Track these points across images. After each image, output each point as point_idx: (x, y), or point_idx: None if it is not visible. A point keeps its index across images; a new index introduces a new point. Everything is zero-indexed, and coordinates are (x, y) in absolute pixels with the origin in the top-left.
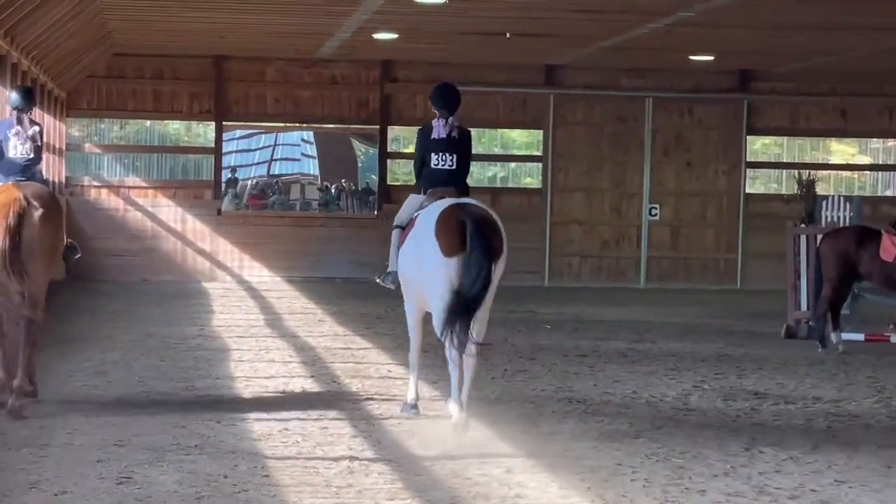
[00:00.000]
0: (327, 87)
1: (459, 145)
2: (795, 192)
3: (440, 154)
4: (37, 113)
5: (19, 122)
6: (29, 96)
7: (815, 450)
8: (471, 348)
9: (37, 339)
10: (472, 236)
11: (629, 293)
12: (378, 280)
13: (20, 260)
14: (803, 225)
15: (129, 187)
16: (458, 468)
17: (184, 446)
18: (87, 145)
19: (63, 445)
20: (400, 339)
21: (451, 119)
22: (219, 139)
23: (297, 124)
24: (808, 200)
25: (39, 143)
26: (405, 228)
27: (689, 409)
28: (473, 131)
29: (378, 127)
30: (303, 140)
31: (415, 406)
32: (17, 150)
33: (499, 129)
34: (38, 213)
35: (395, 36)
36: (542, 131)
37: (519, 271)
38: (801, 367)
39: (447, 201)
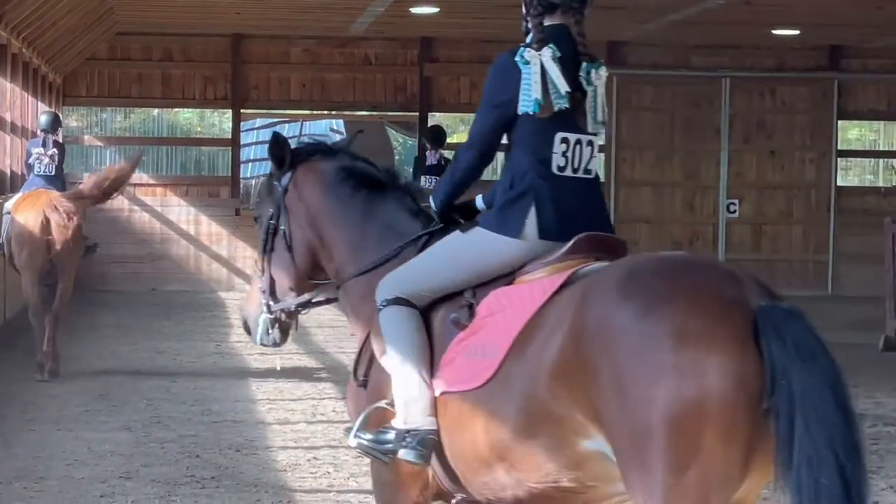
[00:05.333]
0: (359, 70)
1: (444, 169)
2: (893, 183)
3: (430, 177)
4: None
5: (44, 143)
6: (56, 121)
7: None
8: None
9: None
10: None
11: None
12: None
13: (53, 251)
14: None
15: (135, 185)
16: None
17: (199, 479)
18: (86, 137)
19: (62, 478)
20: None
21: (438, 151)
22: (236, 129)
23: (326, 112)
24: None
25: (58, 162)
26: None
27: None
28: None
29: (417, 114)
30: (332, 129)
31: None
32: (42, 167)
33: None
34: (63, 218)
35: (435, 10)
36: None
37: None
38: None
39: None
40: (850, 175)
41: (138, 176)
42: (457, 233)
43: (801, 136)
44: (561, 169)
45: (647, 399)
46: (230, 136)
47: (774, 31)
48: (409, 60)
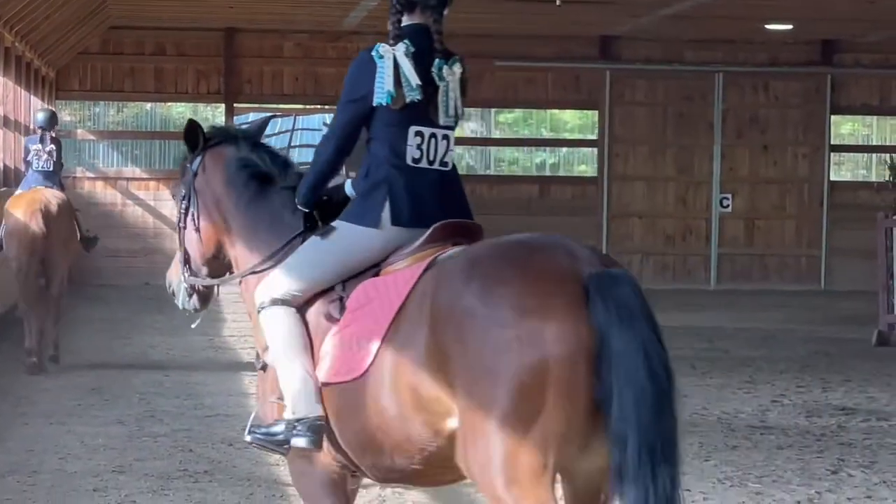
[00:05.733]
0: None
1: None
2: (886, 178)
3: None
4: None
5: (41, 139)
6: (53, 118)
7: None
8: None
9: (58, 312)
10: None
11: (698, 295)
12: None
13: (46, 247)
14: None
15: (128, 179)
16: None
17: (192, 472)
18: (79, 131)
19: (55, 472)
20: None
21: None
22: (229, 123)
23: (319, 106)
24: None
25: (55, 158)
26: None
27: (767, 427)
28: (519, 112)
29: None
30: (325, 124)
31: None
32: (40, 162)
33: (548, 110)
34: (55, 213)
35: None
36: (596, 112)
37: None
38: (895, 378)
39: None
40: (842, 170)
41: (132, 170)
42: (322, 231)
43: (794, 131)
44: (416, 161)
45: (493, 371)
46: None
47: (767, 26)
48: None
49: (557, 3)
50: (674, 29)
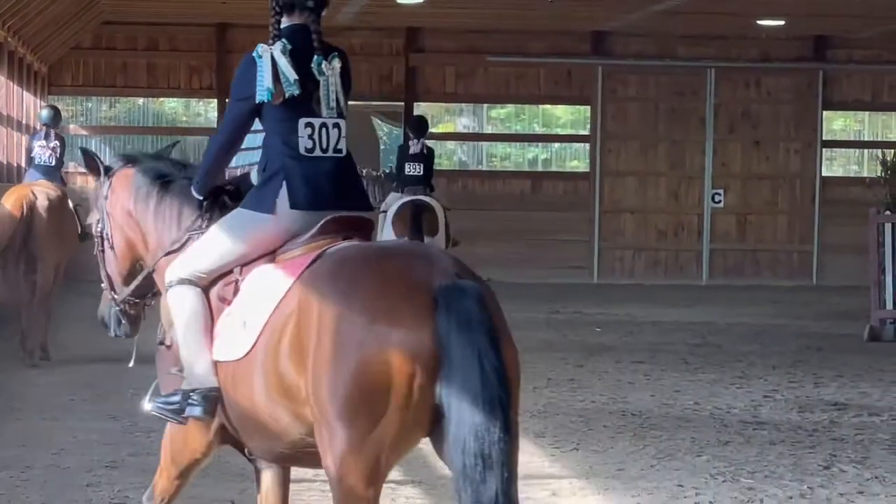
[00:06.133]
0: None
1: (425, 159)
2: (879, 174)
3: (413, 164)
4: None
5: (46, 135)
6: (57, 115)
7: None
8: None
9: (48, 306)
10: (410, 223)
11: (690, 291)
12: None
13: (30, 244)
14: (888, 212)
15: None
16: None
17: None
18: (71, 126)
19: (48, 467)
20: None
21: (421, 140)
22: (221, 119)
23: None
24: (894, 184)
25: (58, 155)
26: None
27: (759, 423)
28: (511, 107)
29: (403, 104)
30: None
31: None
32: (42, 157)
33: (540, 106)
34: (44, 206)
35: (421, 0)
36: (589, 107)
37: (564, 266)
38: (887, 373)
39: (404, 199)
40: (834, 165)
41: None
42: (224, 217)
43: (786, 127)
44: (309, 150)
45: (340, 369)
46: (215, 126)
47: (759, 22)
48: (395, 50)
49: None
50: (666, 24)
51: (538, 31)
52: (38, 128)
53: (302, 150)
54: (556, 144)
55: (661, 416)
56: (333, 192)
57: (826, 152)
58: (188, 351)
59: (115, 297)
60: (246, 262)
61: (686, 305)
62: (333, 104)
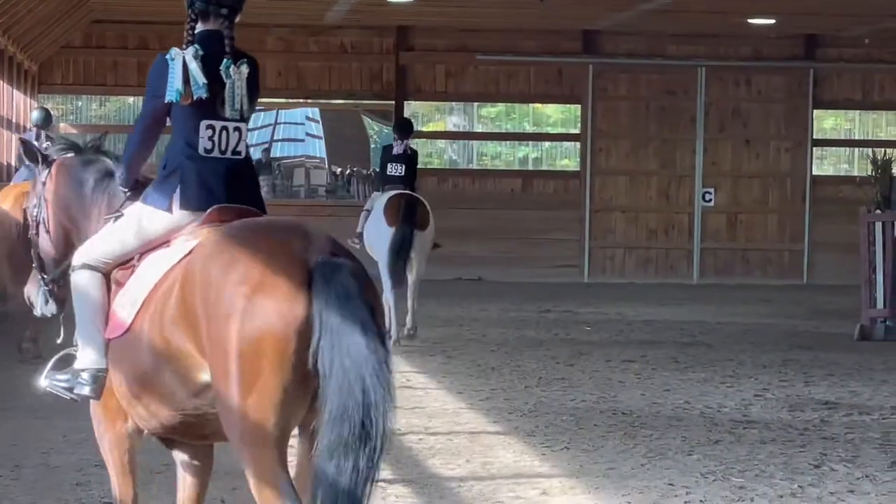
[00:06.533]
0: (335, 58)
1: (409, 160)
2: (869, 173)
3: (395, 164)
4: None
5: (37, 136)
6: (48, 117)
7: (893, 467)
8: (408, 282)
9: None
10: (403, 213)
11: (680, 290)
12: (350, 242)
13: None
14: (878, 211)
15: None
16: (487, 490)
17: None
18: (61, 125)
19: (37, 466)
20: (420, 343)
21: (405, 142)
22: None
23: (302, 100)
24: (884, 183)
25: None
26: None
27: (749, 422)
28: (502, 106)
29: (393, 102)
30: (307, 118)
31: (398, 341)
32: None
33: (531, 105)
34: None
35: None
36: (579, 106)
37: (555, 265)
38: (877, 372)
39: (392, 192)
40: (825, 164)
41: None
42: (128, 209)
43: (777, 126)
44: (208, 151)
45: (226, 337)
46: None
47: (750, 21)
48: (385, 49)
49: None
50: (656, 23)
51: (529, 30)
52: (29, 128)
53: (201, 151)
54: (547, 143)
55: (652, 415)
56: (225, 192)
57: (816, 151)
58: (82, 332)
59: (45, 277)
60: (144, 251)
61: (677, 304)
62: (238, 107)
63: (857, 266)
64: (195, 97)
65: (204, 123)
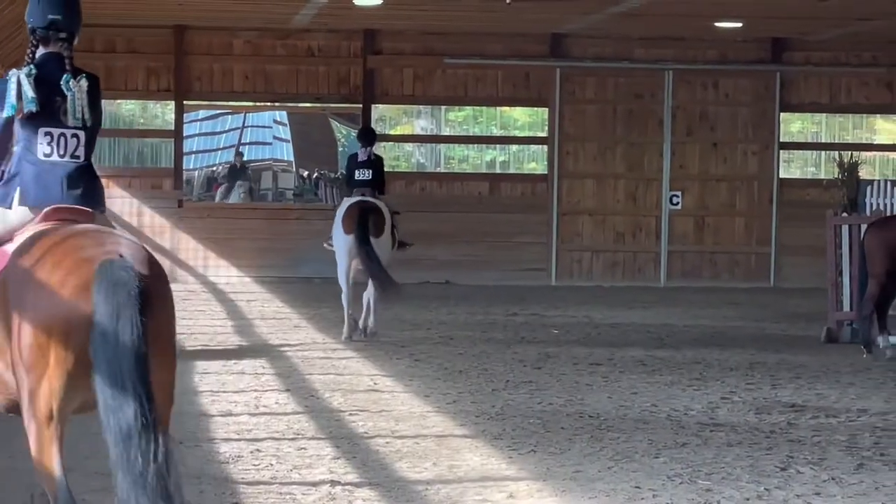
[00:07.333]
0: (303, 61)
1: (374, 164)
2: (836, 176)
3: (361, 170)
4: None
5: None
6: None
7: (859, 469)
8: (369, 287)
9: None
10: (356, 221)
11: (648, 293)
12: (325, 244)
13: None
14: (845, 214)
15: None
16: (454, 493)
17: None
18: None
19: (4, 471)
20: (387, 346)
21: (369, 149)
22: (179, 121)
23: (269, 103)
24: (851, 186)
25: None
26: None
27: (716, 425)
28: (469, 109)
29: (360, 106)
30: (275, 121)
31: (349, 337)
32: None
33: (498, 108)
34: None
35: (379, 2)
36: (547, 109)
37: (523, 269)
38: (844, 375)
39: (353, 200)
40: (792, 167)
41: None
42: (345, 197)
43: (744, 129)
44: (47, 155)
45: (20, 327)
46: (173, 128)
47: (717, 24)
48: (353, 52)
49: (508, 1)
50: (624, 26)
51: (496, 33)
52: None
53: (40, 155)
54: (514, 146)
55: (619, 417)
56: (60, 192)
57: (783, 154)
58: None
59: None
60: None
61: (644, 307)
62: (79, 115)
63: (823, 269)
64: (26, 110)
65: (42, 131)
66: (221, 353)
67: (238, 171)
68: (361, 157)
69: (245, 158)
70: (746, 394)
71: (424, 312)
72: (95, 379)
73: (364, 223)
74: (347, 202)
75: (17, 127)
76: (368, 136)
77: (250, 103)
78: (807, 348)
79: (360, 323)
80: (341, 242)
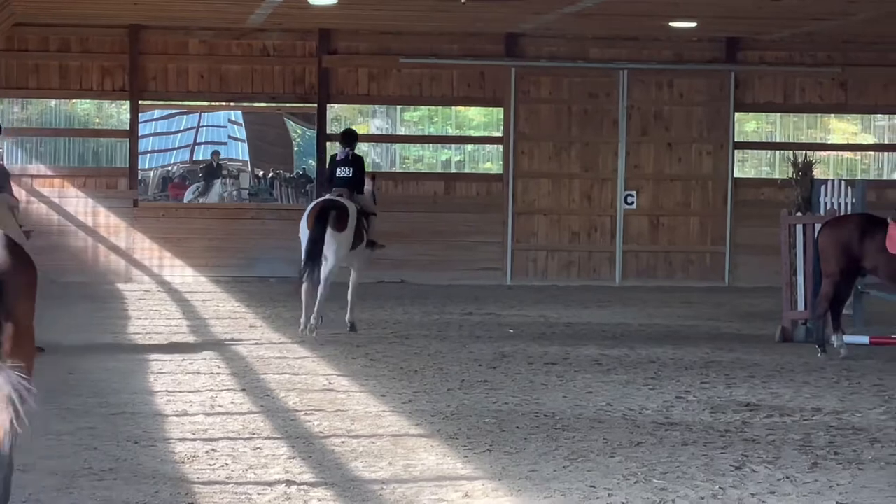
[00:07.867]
0: (258, 61)
1: (354, 163)
2: (790, 175)
3: (342, 168)
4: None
5: None
6: None
7: (814, 468)
8: (323, 279)
9: None
10: (316, 217)
11: (603, 292)
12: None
13: None
14: (799, 213)
15: (33, 176)
16: (409, 493)
17: (97, 470)
18: None
19: None
20: (342, 346)
21: (348, 149)
22: (134, 120)
23: (224, 103)
24: (805, 185)
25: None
26: None
27: (671, 424)
28: (424, 109)
29: (316, 105)
30: (230, 121)
31: (305, 329)
32: None
33: (453, 107)
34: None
35: (334, 1)
36: (502, 109)
37: (478, 268)
38: (798, 374)
39: (321, 198)
40: (746, 167)
41: (36, 167)
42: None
43: (699, 128)
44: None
45: None
46: (128, 128)
47: (672, 24)
48: (308, 52)
49: (463, 1)
50: (578, 26)
51: (451, 33)
52: None
53: None
54: (470, 146)
55: (574, 417)
56: None
57: (738, 154)
58: None
59: None
60: None
61: (599, 307)
62: None
63: (778, 268)
64: None
65: None
66: (177, 352)
67: (215, 169)
68: (340, 155)
69: (194, 158)
70: (701, 393)
71: (380, 312)
72: None
73: (323, 219)
74: (315, 200)
75: None
76: (347, 138)
77: (206, 103)
78: (761, 347)
79: (347, 318)
80: (304, 237)
